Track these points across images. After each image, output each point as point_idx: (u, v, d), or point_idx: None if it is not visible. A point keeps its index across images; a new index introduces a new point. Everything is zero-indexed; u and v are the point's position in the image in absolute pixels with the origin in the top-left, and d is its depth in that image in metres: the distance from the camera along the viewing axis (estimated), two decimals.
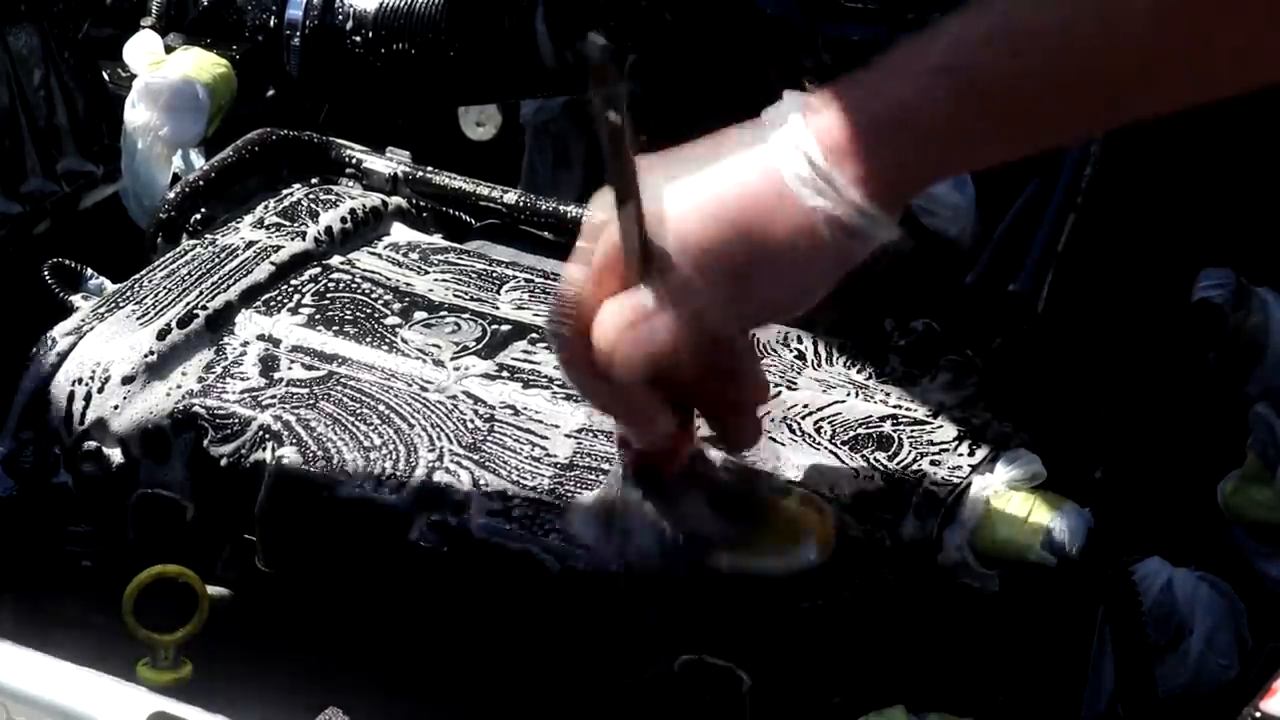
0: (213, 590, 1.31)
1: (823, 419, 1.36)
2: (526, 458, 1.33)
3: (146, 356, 1.41)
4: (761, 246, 1.10)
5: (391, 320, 1.47)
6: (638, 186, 1.09)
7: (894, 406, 1.37)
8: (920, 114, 1.06)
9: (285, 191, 1.62)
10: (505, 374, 1.40)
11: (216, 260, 1.51)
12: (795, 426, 1.34)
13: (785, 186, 1.09)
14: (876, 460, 1.31)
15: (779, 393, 1.37)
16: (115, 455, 1.38)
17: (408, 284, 1.52)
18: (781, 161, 1.09)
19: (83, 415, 1.39)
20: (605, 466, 1.31)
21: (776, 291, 1.13)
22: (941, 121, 1.06)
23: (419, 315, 1.47)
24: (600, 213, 1.14)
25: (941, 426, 1.35)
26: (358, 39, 1.76)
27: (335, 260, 1.55)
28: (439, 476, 1.31)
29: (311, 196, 1.61)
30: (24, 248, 1.75)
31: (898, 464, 1.31)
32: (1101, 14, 1.03)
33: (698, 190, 1.12)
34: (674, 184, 1.11)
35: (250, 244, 1.53)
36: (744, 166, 1.11)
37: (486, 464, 1.32)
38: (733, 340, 1.18)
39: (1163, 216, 1.60)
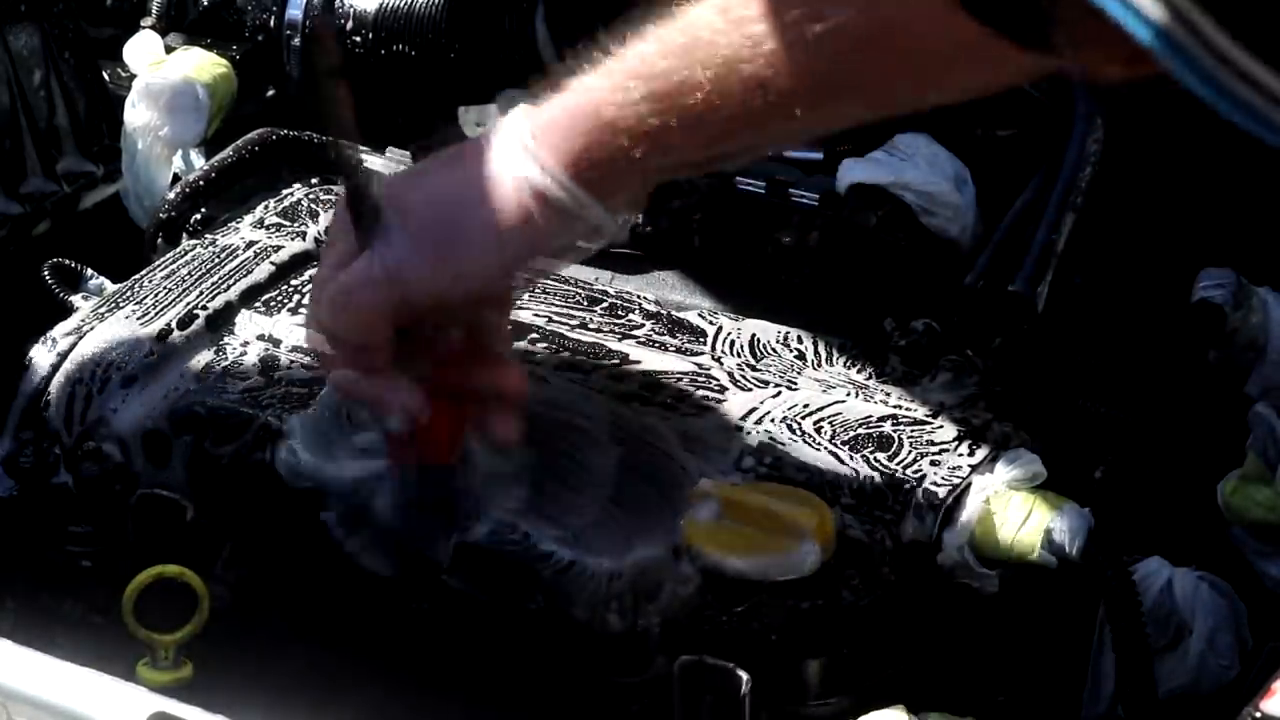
0: (213, 590, 1.31)
1: (823, 419, 1.36)
2: (526, 460, 1.33)
3: (146, 357, 1.41)
4: (471, 217, 1.21)
5: None
6: (356, 157, 1.23)
7: (894, 406, 1.37)
8: (610, 108, 1.17)
9: (285, 191, 1.62)
10: None
11: (216, 260, 1.51)
12: (795, 426, 1.34)
13: (497, 163, 1.20)
14: (876, 460, 1.31)
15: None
16: (115, 455, 1.38)
17: None
18: (499, 144, 1.21)
19: (83, 415, 1.39)
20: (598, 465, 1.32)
21: (481, 261, 1.22)
22: (629, 118, 1.17)
23: None
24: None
25: (941, 426, 1.35)
26: (358, 39, 1.76)
27: None
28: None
29: (311, 196, 1.61)
30: (24, 248, 1.75)
31: (898, 464, 1.31)
32: (705, 67, 1.14)
33: (426, 171, 1.28)
34: (414, 168, 1.25)
35: (250, 244, 1.53)
36: (467, 151, 1.24)
37: (486, 464, 1.32)
38: (488, 328, 1.28)
39: (1163, 216, 1.60)
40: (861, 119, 1.24)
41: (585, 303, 1.49)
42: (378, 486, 1.30)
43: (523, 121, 1.21)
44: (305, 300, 1.37)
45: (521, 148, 1.20)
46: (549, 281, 1.52)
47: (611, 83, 1.18)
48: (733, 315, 1.48)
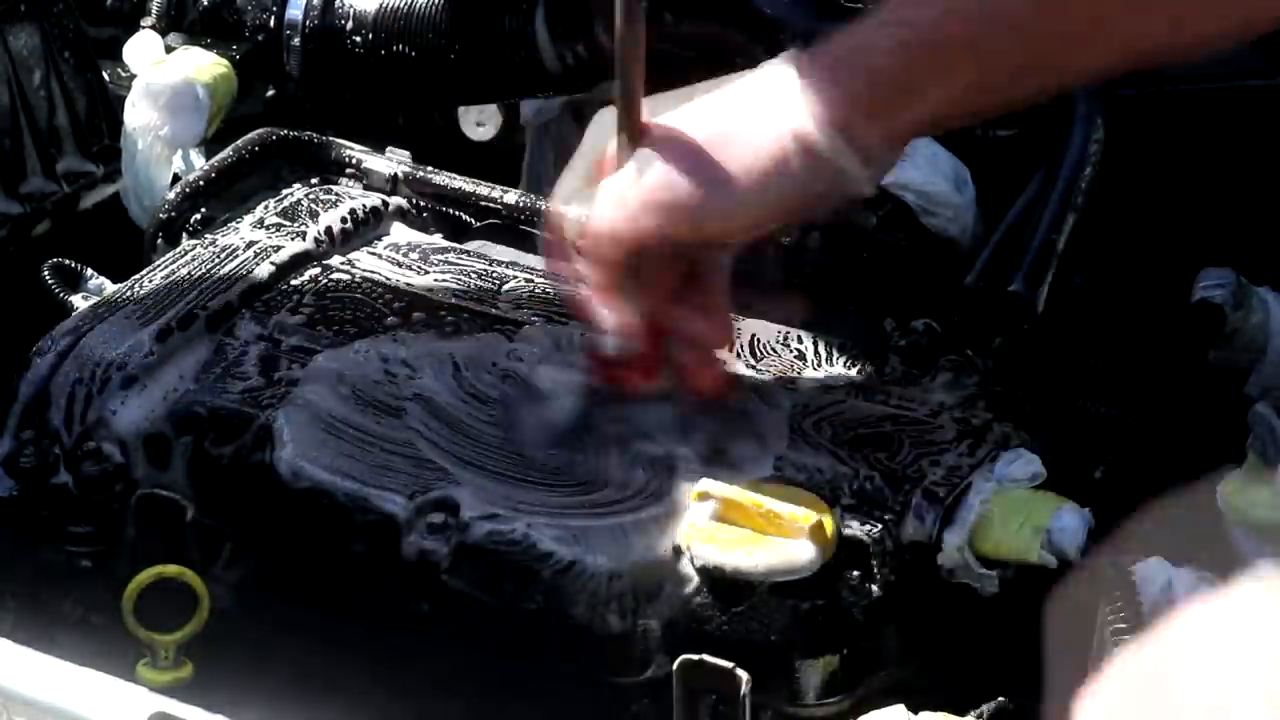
0: (213, 590, 1.31)
1: (823, 419, 1.36)
2: (526, 459, 1.33)
3: (146, 357, 1.41)
4: (736, 157, 1.23)
5: (391, 320, 1.47)
6: (640, 74, 1.25)
7: (894, 406, 1.37)
8: (868, 57, 1.22)
9: (285, 191, 1.62)
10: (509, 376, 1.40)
11: (216, 260, 1.51)
12: (795, 426, 1.34)
13: (765, 107, 1.24)
14: (876, 460, 1.31)
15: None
16: (115, 455, 1.38)
17: (408, 284, 1.52)
18: (766, 88, 1.24)
19: (83, 415, 1.39)
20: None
21: (741, 202, 1.25)
22: (885, 65, 1.22)
23: (418, 315, 1.47)
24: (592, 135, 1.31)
25: (941, 426, 1.35)
26: (358, 39, 1.76)
27: (335, 260, 1.55)
28: (438, 479, 1.31)
29: (311, 196, 1.61)
30: (24, 248, 1.75)
31: (898, 464, 1.31)
32: None
33: (699, 106, 1.27)
34: (681, 100, 1.27)
35: (250, 244, 1.53)
36: (737, 89, 1.27)
37: (486, 465, 1.33)
38: (712, 275, 1.32)
39: (1163, 216, 1.60)
40: (1123, 61, 1.26)
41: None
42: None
43: (791, 69, 1.24)
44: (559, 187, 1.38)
45: (789, 94, 1.23)
46: (548, 280, 1.52)
47: (876, 33, 1.23)
48: (732, 315, 1.48)
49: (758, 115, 1.24)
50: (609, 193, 1.28)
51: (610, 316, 1.31)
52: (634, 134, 1.27)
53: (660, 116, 1.28)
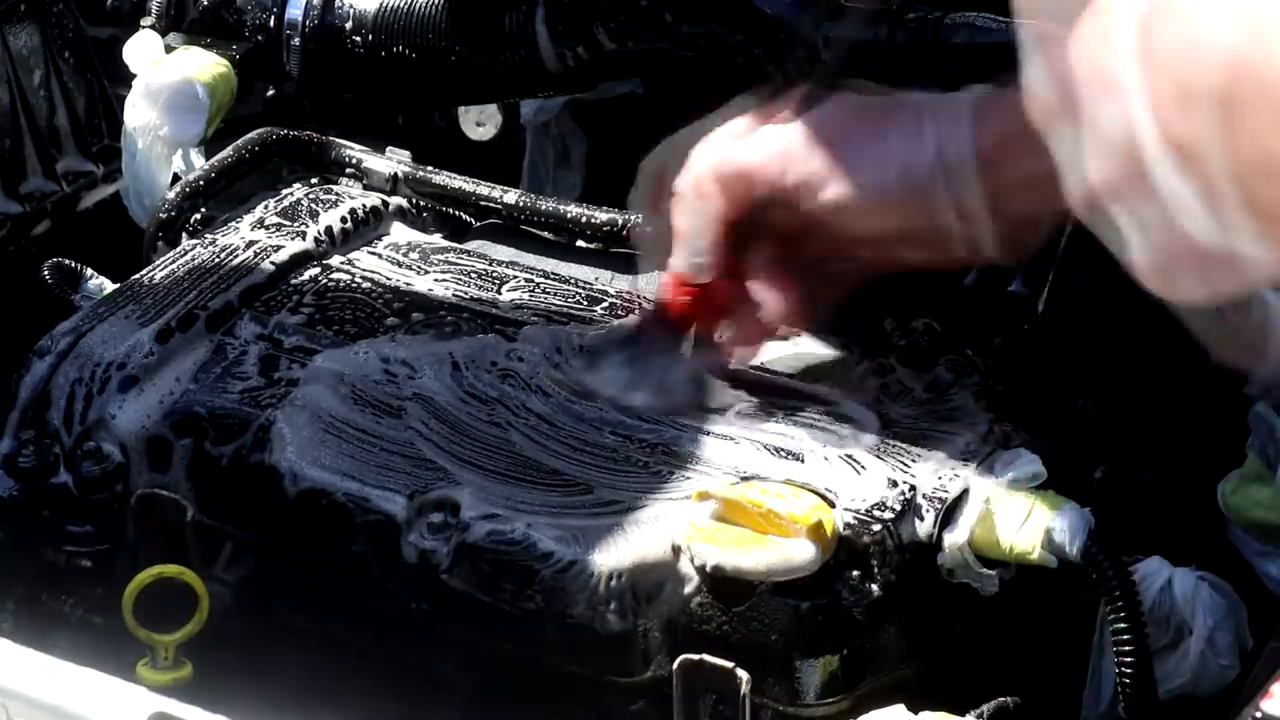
0: (213, 590, 1.31)
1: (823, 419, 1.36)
2: (526, 460, 1.33)
3: (146, 357, 1.41)
4: (885, 136, 1.23)
5: (391, 320, 1.47)
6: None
7: (894, 407, 1.37)
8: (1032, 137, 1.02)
9: (285, 191, 1.62)
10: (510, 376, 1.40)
11: (216, 260, 1.51)
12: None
13: (935, 164, 1.21)
14: (877, 460, 1.31)
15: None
16: (115, 455, 1.38)
17: (408, 284, 1.52)
18: (944, 141, 1.22)
19: (83, 415, 1.39)
20: (607, 467, 1.32)
21: (866, 177, 1.24)
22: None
23: (418, 315, 1.47)
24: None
25: (942, 426, 1.35)
26: (358, 39, 1.76)
27: (335, 260, 1.55)
28: (438, 478, 1.32)
29: (311, 196, 1.61)
30: (24, 248, 1.75)
31: (898, 464, 1.31)
32: None
33: (869, 103, 1.28)
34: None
35: (250, 244, 1.53)
36: (907, 102, 1.26)
37: (485, 466, 1.33)
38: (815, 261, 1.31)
39: None
40: None
41: (585, 302, 1.49)
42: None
43: (968, 125, 1.22)
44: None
45: (952, 120, 1.22)
46: (548, 281, 1.52)
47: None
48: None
49: (915, 122, 1.23)
50: (758, 133, 1.28)
51: (683, 243, 1.32)
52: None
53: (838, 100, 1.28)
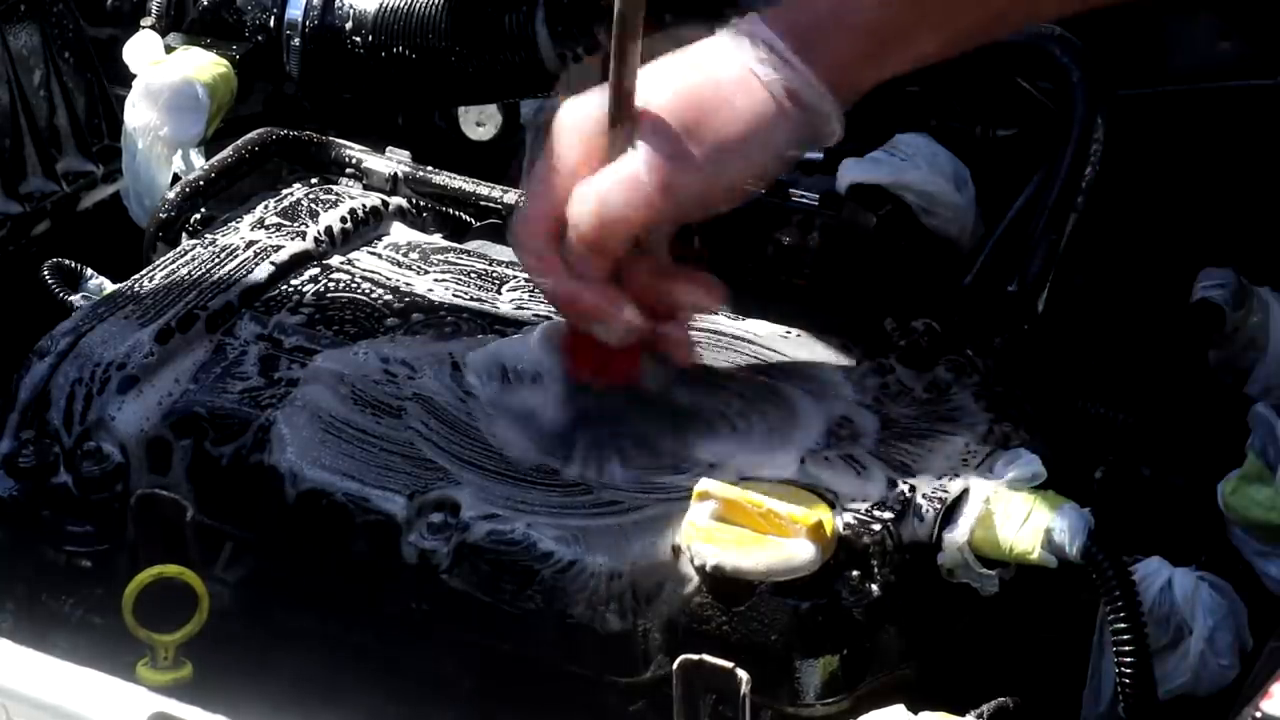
0: (213, 590, 1.31)
1: (822, 419, 1.36)
2: (526, 460, 1.33)
3: (146, 357, 1.41)
4: (730, 121, 1.24)
5: (391, 320, 1.47)
6: (639, 34, 1.22)
7: (894, 407, 1.37)
8: (854, 14, 1.25)
9: (285, 191, 1.62)
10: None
11: (216, 260, 1.51)
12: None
13: (749, 68, 1.24)
14: (877, 460, 1.31)
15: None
16: (115, 455, 1.38)
17: (408, 284, 1.52)
18: (744, 48, 1.25)
19: (83, 415, 1.39)
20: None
21: (743, 163, 1.26)
22: (875, 20, 1.24)
23: (418, 316, 1.47)
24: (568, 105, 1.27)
25: (942, 427, 1.35)
26: (358, 39, 1.76)
27: (335, 260, 1.55)
28: (438, 478, 1.32)
29: (311, 196, 1.61)
30: (24, 248, 1.75)
31: (898, 464, 1.31)
32: None
33: (670, 75, 1.26)
34: (646, 72, 1.24)
35: (250, 244, 1.53)
36: (710, 54, 1.26)
37: (485, 466, 1.33)
38: (659, 245, 1.29)
39: (1163, 216, 1.60)
40: None
41: None
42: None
43: (763, 25, 1.25)
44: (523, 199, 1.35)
45: (769, 49, 1.24)
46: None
47: None
48: (733, 315, 1.48)
49: (739, 78, 1.24)
50: (610, 182, 1.25)
51: (612, 307, 1.28)
52: (628, 118, 1.25)
53: (638, 92, 1.25)
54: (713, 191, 1.27)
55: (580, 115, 1.27)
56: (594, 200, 1.24)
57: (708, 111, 1.24)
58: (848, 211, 1.52)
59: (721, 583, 1.24)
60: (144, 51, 1.77)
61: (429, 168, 1.66)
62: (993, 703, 1.25)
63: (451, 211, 1.65)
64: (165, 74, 1.74)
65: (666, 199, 1.24)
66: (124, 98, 1.77)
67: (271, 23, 1.79)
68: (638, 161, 1.23)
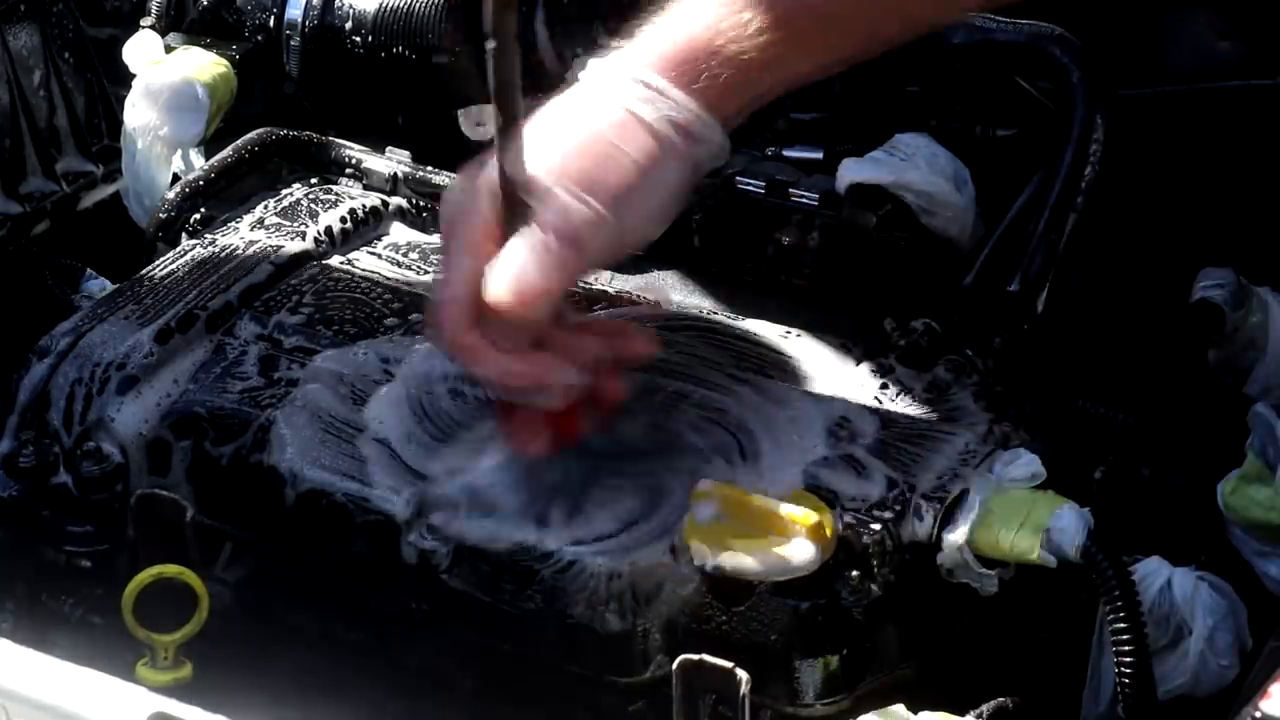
0: (213, 590, 1.31)
1: (822, 419, 1.36)
2: (524, 461, 1.33)
3: (146, 357, 1.41)
4: (622, 168, 1.23)
5: (391, 320, 1.47)
6: (520, 111, 1.21)
7: (894, 407, 1.37)
8: (729, 41, 1.24)
9: (285, 191, 1.62)
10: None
11: (216, 260, 1.51)
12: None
13: (629, 110, 1.24)
14: (877, 460, 1.31)
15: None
16: (115, 455, 1.38)
17: (407, 284, 1.52)
18: (621, 89, 1.24)
19: (83, 415, 1.39)
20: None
21: (644, 206, 1.25)
22: (748, 49, 1.24)
23: (418, 316, 1.47)
24: (457, 191, 1.27)
25: (942, 427, 1.35)
26: (357, 39, 1.76)
27: (335, 260, 1.55)
28: (438, 478, 1.32)
29: (311, 196, 1.61)
30: (24, 248, 1.75)
31: (898, 464, 1.31)
32: None
33: (553, 134, 1.25)
34: (528, 132, 1.23)
35: (250, 244, 1.53)
36: (588, 103, 1.25)
37: (484, 465, 1.33)
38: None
39: (1163, 216, 1.60)
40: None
41: (585, 303, 1.49)
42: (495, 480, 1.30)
43: (633, 63, 1.25)
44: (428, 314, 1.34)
45: (646, 86, 1.24)
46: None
47: (727, 13, 1.24)
48: (732, 315, 1.48)
49: (621, 122, 1.24)
50: (522, 254, 1.22)
51: (548, 374, 1.26)
52: (522, 189, 1.22)
53: (526, 159, 1.23)
54: (621, 239, 1.26)
55: (471, 195, 1.26)
56: (510, 278, 1.22)
57: (599, 163, 1.23)
58: (848, 211, 1.52)
59: (721, 583, 1.24)
60: (144, 51, 1.77)
61: (429, 168, 1.66)
62: (992, 703, 1.25)
63: None
64: (165, 74, 1.74)
65: (579, 258, 1.24)
66: (124, 98, 1.77)
67: (271, 23, 1.79)
68: (543, 229, 1.22)
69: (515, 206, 1.23)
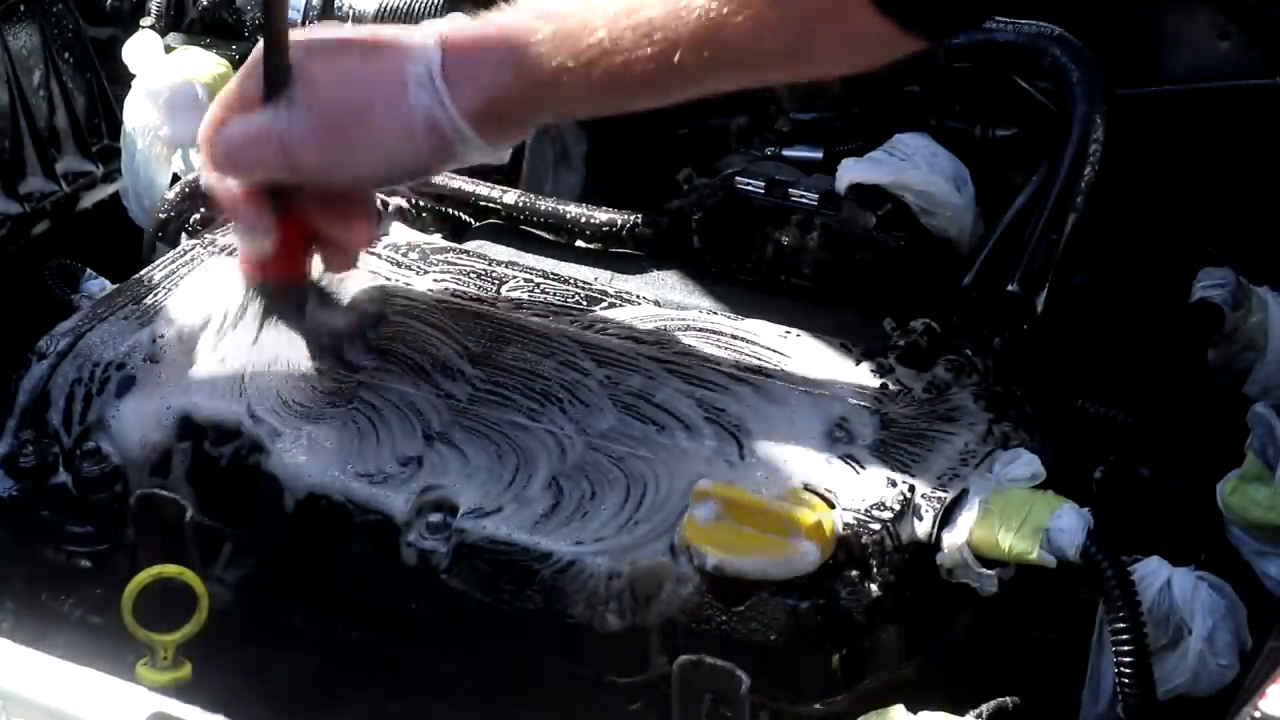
0: (212, 590, 1.31)
1: (821, 419, 1.36)
2: (523, 460, 1.33)
3: (146, 357, 1.41)
4: (369, 121, 1.32)
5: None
6: (284, 11, 1.33)
7: (893, 407, 1.37)
8: (518, 48, 1.29)
9: None
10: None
11: (216, 261, 1.51)
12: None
13: (404, 79, 1.30)
14: (876, 460, 1.31)
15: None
16: (115, 455, 1.38)
17: (407, 284, 1.52)
18: (410, 60, 1.31)
19: (82, 415, 1.39)
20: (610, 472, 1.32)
21: (366, 160, 1.34)
22: (532, 59, 1.28)
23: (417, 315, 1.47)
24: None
25: (941, 427, 1.35)
26: None
27: None
28: (437, 479, 1.32)
29: None
30: (24, 248, 1.75)
31: (897, 464, 1.31)
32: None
33: (340, 53, 1.35)
34: (321, 40, 1.34)
35: None
36: (388, 56, 1.32)
37: (484, 465, 1.33)
38: (353, 195, 1.40)
39: (1163, 216, 1.60)
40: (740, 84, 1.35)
41: (585, 302, 1.49)
42: None
43: (436, 48, 1.31)
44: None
45: (429, 74, 1.30)
46: (548, 281, 1.52)
47: (522, 20, 1.29)
48: (733, 315, 1.48)
49: (396, 90, 1.30)
50: (244, 127, 1.34)
51: (254, 220, 1.37)
52: (280, 75, 1.33)
53: (305, 53, 1.33)
54: (332, 177, 1.35)
55: (251, 62, 1.36)
56: (223, 139, 1.35)
57: (350, 112, 1.33)
58: (847, 211, 1.52)
59: (721, 583, 1.24)
60: (144, 51, 1.77)
61: None
62: (992, 703, 1.25)
63: (451, 211, 1.65)
64: (165, 74, 1.74)
65: (285, 166, 1.33)
66: (124, 98, 1.77)
67: None
68: (269, 122, 1.33)
69: (271, 90, 1.33)
